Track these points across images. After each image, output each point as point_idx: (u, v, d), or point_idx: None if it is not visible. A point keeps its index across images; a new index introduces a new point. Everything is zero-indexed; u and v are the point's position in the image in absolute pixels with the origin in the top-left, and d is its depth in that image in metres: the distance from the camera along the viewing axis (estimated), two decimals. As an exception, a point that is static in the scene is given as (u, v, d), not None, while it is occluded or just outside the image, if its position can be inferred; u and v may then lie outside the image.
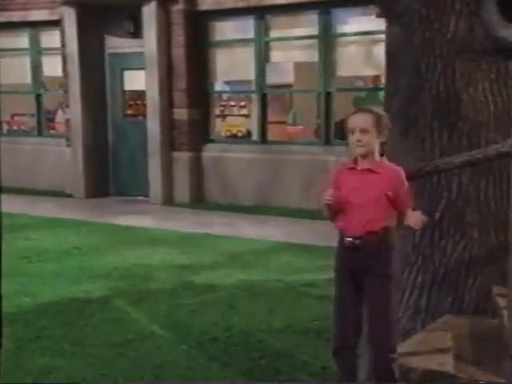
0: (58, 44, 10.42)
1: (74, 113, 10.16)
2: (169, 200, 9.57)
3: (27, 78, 11.03)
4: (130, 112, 10.48)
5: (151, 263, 6.12)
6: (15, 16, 10.64)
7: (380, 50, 7.55)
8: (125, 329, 4.32)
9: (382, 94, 7.78)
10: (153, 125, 9.56)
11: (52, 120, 11.22)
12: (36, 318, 4.47)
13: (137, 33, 9.69)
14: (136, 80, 9.99)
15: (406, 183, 2.73)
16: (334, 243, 7.09)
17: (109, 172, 10.37)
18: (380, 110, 2.84)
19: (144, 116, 9.87)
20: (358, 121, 2.70)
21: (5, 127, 11.63)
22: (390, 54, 4.12)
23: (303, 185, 8.90)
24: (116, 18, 9.85)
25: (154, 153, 9.59)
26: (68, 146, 10.39)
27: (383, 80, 7.62)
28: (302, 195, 8.87)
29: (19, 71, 11.15)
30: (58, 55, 10.48)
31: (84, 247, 6.79)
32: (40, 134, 11.09)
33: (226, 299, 4.98)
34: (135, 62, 9.82)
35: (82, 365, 3.68)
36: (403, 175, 2.73)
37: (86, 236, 7.38)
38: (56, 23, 10.22)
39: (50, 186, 10.54)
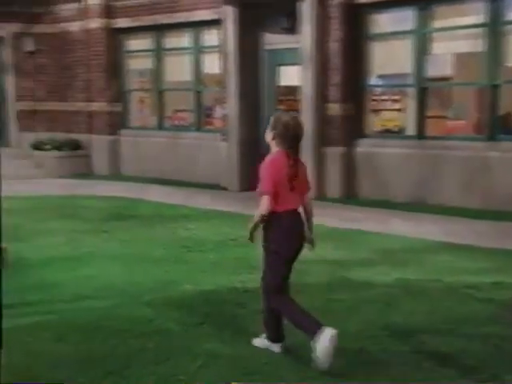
0: (217, 42, 10.84)
1: (230, 108, 10.53)
2: (320, 195, 9.58)
3: (188, 76, 11.60)
4: (281, 107, 10.62)
5: (305, 257, 6.15)
6: (181, 17, 11.21)
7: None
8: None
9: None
10: (306, 120, 9.59)
11: (210, 115, 11.71)
12: (199, 304, 4.68)
13: (293, 28, 9.80)
14: (290, 75, 10.10)
15: (262, 172, 3.59)
16: (499, 245, 6.69)
17: (261, 166, 10.61)
18: (281, 115, 3.75)
19: (296, 111, 9.95)
20: None
21: (167, 122, 12.35)
22: None
23: (463, 182, 8.48)
24: (274, 15, 10.03)
25: (307, 148, 9.61)
26: (224, 140, 10.80)
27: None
28: (461, 193, 8.46)
29: (181, 69, 11.78)
30: (217, 53, 10.91)
31: (239, 238, 6.99)
32: (198, 128, 11.63)
33: (382, 297, 4.88)
34: (290, 57, 9.94)
35: (244, 353, 3.78)
36: (263, 165, 3.60)
37: (240, 228, 7.54)
38: (217, 22, 10.63)
39: (207, 179, 11.01)
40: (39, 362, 3.65)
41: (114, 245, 6.71)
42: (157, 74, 12.12)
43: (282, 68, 10.37)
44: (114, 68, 12.47)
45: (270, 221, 3.56)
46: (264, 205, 3.53)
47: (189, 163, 11.39)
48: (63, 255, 6.17)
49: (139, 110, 12.87)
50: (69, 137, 12.96)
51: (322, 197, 9.57)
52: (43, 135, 13.11)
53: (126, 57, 12.58)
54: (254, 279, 5.35)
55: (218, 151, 10.91)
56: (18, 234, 7.03)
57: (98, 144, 12.72)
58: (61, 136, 12.99)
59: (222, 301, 4.81)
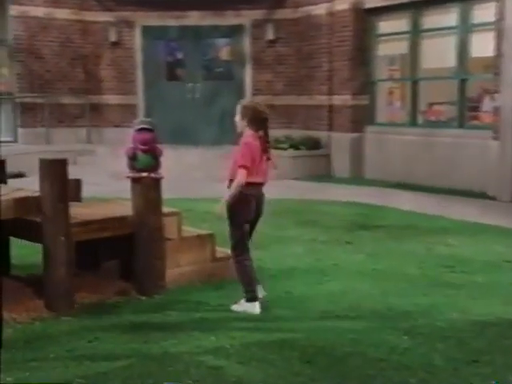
0: (491, 18, 10.33)
1: (505, 99, 9.96)
2: None
3: (450, 61, 11.26)
4: None
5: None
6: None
7: None
8: None
9: None
10: None
11: (475, 109, 11.21)
12: (470, 338, 4.46)
13: None
14: None
15: (242, 149, 4.89)
16: None
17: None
18: (249, 102, 5.30)
19: None
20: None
21: (421, 117, 12.12)
22: None
23: None
24: None
25: None
26: (495, 139, 10.25)
27: None
28: None
29: (442, 54, 11.48)
30: (490, 31, 10.41)
31: (516, 261, 6.59)
32: (461, 125, 11.21)
33: None
34: None
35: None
36: (243, 144, 4.91)
37: (515, 247, 7.16)
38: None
39: (469, 186, 10.57)
40: (284, 383, 3.77)
41: (361, 258, 6.75)
42: (411, 60, 11.97)
43: None
44: (361, 55, 12.62)
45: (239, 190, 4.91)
46: (242, 176, 4.85)
47: (447, 166, 11.05)
48: (305, 267, 6.37)
49: (388, 103, 12.86)
50: (307, 134, 13.43)
51: None
52: (279, 132, 13.77)
53: (376, 41, 12.65)
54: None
55: (486, 152, 10.41)
56: (256, 240, 7.37)
57: (338, 142, 12.99)
58: (298, 133, 13.52)
59: (501, 336, 4.53)
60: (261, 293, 5.11)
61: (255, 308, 5.01)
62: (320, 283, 5.84)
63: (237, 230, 5.06)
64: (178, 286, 5.52)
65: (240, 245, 5.11)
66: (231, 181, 4.98)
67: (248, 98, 5.02)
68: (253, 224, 5.18)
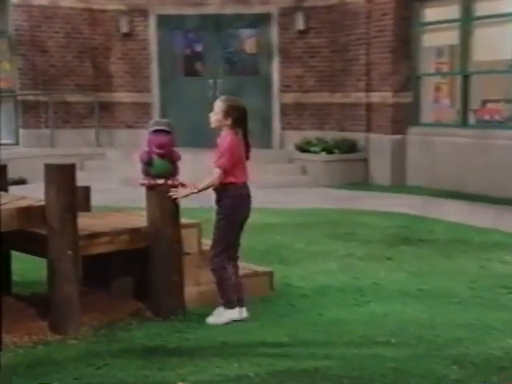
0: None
1: None
2: None
3: (507, 53, 11.23)
4: None
5: None
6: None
7: None
8: None
9: None
10: None
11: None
12: (530, 368, 4.43)
13: None
14: None
15: (221, 150, 5.28)
16: None
17: None
18: (233, 101, 5.39)
19: None
20: (215, 104, 5.39)
21: (474, 116, 12.07)
22: None
23: None
24: None
25: None
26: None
27: None
28: None
29: (497, 44, 11.43)
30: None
31: None
32: (517, 125, 11.18)
33: None
34: None
35: None
36: (222, 146, 5.30)
37: None
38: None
39: (527, 195, 10.51)
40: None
41: (403, 276, 6.75)
42: (462, 51, 11.96)
43: None
44: (404, 46, 12.63)
45: (227, 190, 5.29)
46: (216, 177, 5.25)
47: (502, 172, 11.00)
48: (341, 285, 6.37)
49: (435, 100, 12.85)
50: (341, 136, 13.44)
51: None
52: (310, 134, 13.80)
53: (421, 31, 12.65)
54: None
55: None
56: (285, 255, 7.47)
57: (377, 145, 12.98)
58: (332, 135, 13.53)
59: None
60: (244, 314, 5.41)
61: (241, 313, 5.36)
62: (357, 304, 5.85)
63: (230, 233, 5.36)
64: (198, 306, 5.54)
65: (228, 250, 5.36)
66: (222, 184, 5.28)
67: (227, 96, 5.46)
68: (241, 227, 5.45)
